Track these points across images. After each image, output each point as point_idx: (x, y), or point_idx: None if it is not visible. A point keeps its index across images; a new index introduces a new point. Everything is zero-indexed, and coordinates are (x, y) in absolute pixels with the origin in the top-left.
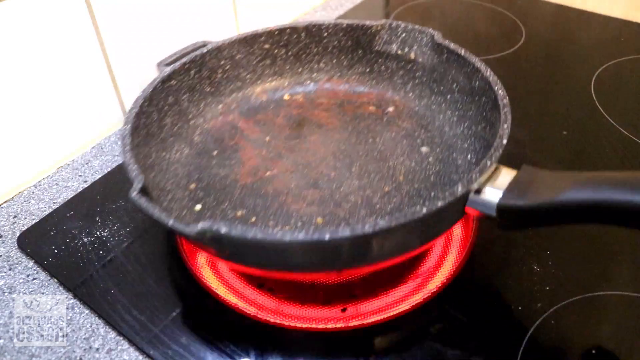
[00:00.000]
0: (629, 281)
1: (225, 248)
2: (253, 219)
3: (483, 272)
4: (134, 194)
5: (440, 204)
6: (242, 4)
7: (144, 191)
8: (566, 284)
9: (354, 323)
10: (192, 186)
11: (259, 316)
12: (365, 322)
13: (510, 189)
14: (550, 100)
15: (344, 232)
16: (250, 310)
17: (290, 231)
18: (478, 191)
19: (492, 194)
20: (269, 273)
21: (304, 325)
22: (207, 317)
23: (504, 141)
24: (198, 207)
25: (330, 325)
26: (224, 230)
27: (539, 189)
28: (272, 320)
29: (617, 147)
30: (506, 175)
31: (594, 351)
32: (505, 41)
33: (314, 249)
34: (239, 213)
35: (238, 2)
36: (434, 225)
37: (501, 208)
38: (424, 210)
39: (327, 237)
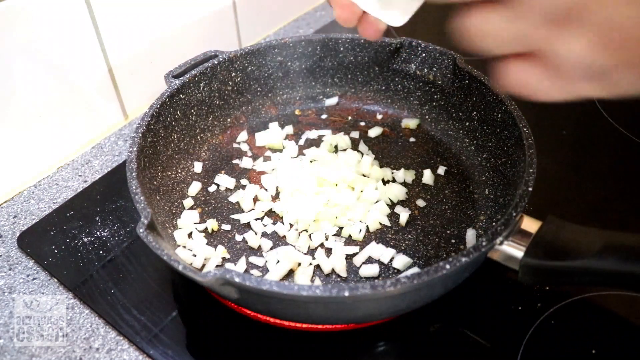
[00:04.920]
0: None
1: (237, 296)
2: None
3: (482, 271)
4: (141, 230)
5: (464, 260)
6: (242, 2)
7: (150, 226)
8: None
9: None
10: (198, 211)
11: (259, 316)
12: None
13: (534, 244)
14: None
15: (364, 289)
16: (250, 310)
17: (308, 286)
18: (500, 242)
19: (516, 248)
20: (280, 322)
21: (304, 325)
22: (207, 317)
23: (530, 189)
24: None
25: (330, 325)
26: (237, 280)
27: (565, 247)
28: (272, 320)
29: (617, 147)
30: (530, 226)
31: (594, 351)
32: None
33: (331, 303)
34: (247, 245)
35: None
36: (454, 277)
37: (524, 264)
38: (447, 266)
39: (346, 294)
